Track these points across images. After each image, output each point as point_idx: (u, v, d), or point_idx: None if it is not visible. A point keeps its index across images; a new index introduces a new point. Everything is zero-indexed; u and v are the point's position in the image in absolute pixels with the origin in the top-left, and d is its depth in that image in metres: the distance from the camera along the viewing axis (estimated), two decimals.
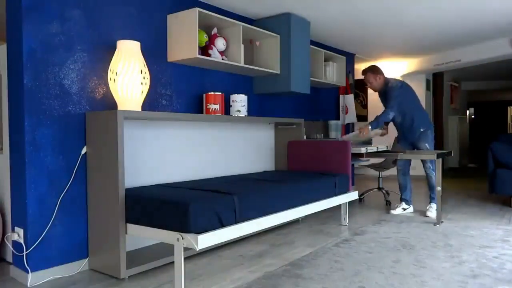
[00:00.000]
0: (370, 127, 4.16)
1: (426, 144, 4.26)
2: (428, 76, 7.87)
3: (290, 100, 4.82)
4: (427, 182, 4.36)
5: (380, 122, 4.20)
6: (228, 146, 3.73)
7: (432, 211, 4.18)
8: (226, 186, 2.80)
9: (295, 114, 4.90)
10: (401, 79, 7.57)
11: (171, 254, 2.72)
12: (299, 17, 4.18)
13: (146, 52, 3.09)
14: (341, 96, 5.82)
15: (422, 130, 4.26)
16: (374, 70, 4.34)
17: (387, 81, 4.31)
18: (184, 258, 2.66)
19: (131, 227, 2.49)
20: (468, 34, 5.21)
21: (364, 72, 4.39)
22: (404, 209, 4.44)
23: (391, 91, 4.20)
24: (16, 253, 2.54)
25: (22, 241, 2.49)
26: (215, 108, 3.35)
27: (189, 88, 3.53)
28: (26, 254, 2.47)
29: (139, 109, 2.78)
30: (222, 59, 3.48)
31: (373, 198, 5.35)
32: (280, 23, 4.06)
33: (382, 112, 4.17)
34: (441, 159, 3.95)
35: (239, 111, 3.56)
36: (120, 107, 2.71)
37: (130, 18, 3.05)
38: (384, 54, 6.62)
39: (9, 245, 2.63)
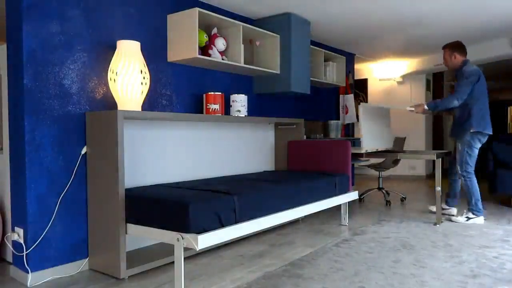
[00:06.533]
0: (426, 107, 3.90)
1: (463, 146, 3.89)
2: (428, 76, 7.88)
3: (290, 100, 4.82)
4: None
5: (439, 107, 3.91)
6: (228, 146, 3.73)
7: (461, 218, 3.91)
8: (226, 186, 2.80)
9: (295, 114, 4.90)
10: (400, 79, 7.62)
11: (171, 254, 2.72)
12: (299, 17, 4.18)
13: (146, 52, 3.09)
14: (341, 96, 5.82)
15: (472, 130, 3.83)
16: (452, 47, 4.01)
17: (464, 63, 3.92)
18: (184, 258, 2.66)
19: (131, 227, 2.49)
20: (468, 34, 5.21)
21: (444, 47, 4.10)
22: (444, 209, 4.27)
23: (463, 76, 3.83)
24: (16, 253, 2.54)
25: (22, 241, 2.49)
26: (215, 108, 3.35)
27: (189, 88, 3.53)
28: (26, 254, 2.47)
29: (139, 109, 2.78)
30: (222, 59, 3.48)
31: (373, 198, 5.35)
32: (280, 23, 4.06)
33: (445, 98, 3.88)
34: (441, 159, 3.95)
35: (239, 111, 3.56)
36: (120, 107, 2.71)
37: (130, 18, 3.05)
38: (384, 54, 6.62)
39: (9, 245, 2.63)
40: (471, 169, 3.91)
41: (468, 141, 3.88)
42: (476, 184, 3.91)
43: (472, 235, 3.46)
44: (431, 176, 7.61)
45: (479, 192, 3.91)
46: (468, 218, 3.90)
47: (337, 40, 5.36)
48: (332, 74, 5.26)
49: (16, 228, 2.55)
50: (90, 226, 2.70)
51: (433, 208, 4.27)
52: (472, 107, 3.86)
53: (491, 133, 3.92)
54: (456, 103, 3.82)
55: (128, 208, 2.50)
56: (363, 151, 4.02)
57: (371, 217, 4.23)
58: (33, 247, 2.47)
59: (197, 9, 3.15)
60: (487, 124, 3.90)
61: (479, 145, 3.92)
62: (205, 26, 3.48)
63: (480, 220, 3.89)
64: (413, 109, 4.04)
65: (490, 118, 3.94)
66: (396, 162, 5.23)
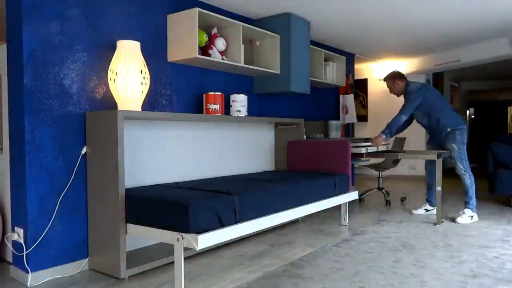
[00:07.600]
0: (383, 136, 4.10)
1: (453, 145, 4.01)
2: (428, 76, 7.87)
3: (290, 100, 4.82)
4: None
5: (393, 129, 4.10)
6: (228, 146, 3.73)
7: (464, 218, 3.92)
8: (226, 186, 2.80)
9: (295, 114, 4.90)
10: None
11: (171, 254, 2.72)
12: (299, 17, 4.18)
13: (146, 52, 3.09)
14: (341, 96, 5.82)
15: (449, 130, 4.03)
16: (392, 76, 4.29)
17: (407, 85, 4.21)
18: (184, 258, 2.66)
19: (131, 227, 2.49)
20: (468, 34, 5.21)
21: (385, 79, 4.37)
22: (427, 210, 4.33)
23: (407, 95, 4.14)
24: (16, 253, 2.54)
25: (22, 241, 2.49)
26: (215, 108, 3.35)
27: (189, 88, 3.53)
28: (26, 254, 2.47)
29: (139, 109, 2.78)
30: (222, 59, 3.48)
31: (373, 198, 5.35)
32: (280, 23, 4.06)
33: (393, 118, 4.08)
34: (441, 159, 3.95)
35: (239, 111, 3.56)
36: (120, 107, 2.71)
37: (130, 18, 3.05)
38: (384, 54, 6.62)
39: (9, 245, 2.63)
40: (468, 164, 4.07)
41: (458, 139, 4.04)
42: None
43: (472, 235, 3.46)
44: None
45: None
46: (472, 217, 3.95)
47: (337, 40, 5.36)
48: (332, 74, 5.26)
49: (16, 228, 2.55)
50: (90, 226, 2.70)
51: (416, 212, 4.37)
52: (436, 113, 4.08)
53: (465, 125, 4.16)
54: (404, 118, 4.09)
55: (128, 208, 2.50)
56: (363, 151, 4.02)
57: (371, 217, 4.23)
58: (33, 247, 2.47)
59: (197, 9, 3.15)
60: (460, 119, 4.17)
61: (465, 139, 4.10)
62: (205, 26, 3.48)
63: (476, 216, 3.98)
64: (370, 143, 4.17)
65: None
66: (396, 162, 5.23)
